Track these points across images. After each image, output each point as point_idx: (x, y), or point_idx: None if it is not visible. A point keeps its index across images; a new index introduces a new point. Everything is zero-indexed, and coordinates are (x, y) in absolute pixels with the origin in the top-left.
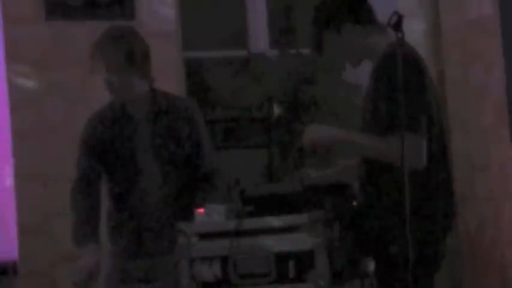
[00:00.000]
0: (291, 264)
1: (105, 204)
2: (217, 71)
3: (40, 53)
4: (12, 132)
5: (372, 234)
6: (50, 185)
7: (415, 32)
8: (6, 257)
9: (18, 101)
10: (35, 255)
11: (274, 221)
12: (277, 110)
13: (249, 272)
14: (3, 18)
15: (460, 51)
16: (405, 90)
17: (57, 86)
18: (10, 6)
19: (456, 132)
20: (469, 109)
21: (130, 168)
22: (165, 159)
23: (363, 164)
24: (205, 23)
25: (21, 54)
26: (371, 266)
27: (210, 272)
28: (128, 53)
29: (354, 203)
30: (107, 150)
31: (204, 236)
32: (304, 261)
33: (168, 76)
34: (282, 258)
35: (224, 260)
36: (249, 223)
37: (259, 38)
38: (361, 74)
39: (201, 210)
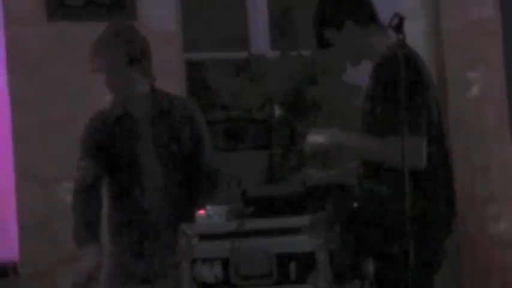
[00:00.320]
0: (292, 265)
1: (106, 204)
2: (217, 72)
3: (41, 54)
4: (13, 132)
5: (373, 235)
6: (50, 185)
7: (416, 33)
8: (7, 257)
9: (19, 101)
10: (36, 256)
11: (275, 223)
12: (278, 111)
13: (250, 274)
14: (5, 18)
15: (461, 52)
16: (405, 91)
17: (58, 86)
18: (11, 6)
19: (457, 133)
20: (470, 110)
21: (131, 169)
22: (166, 159)
23: (363, 166)
24: (206, 24)
25: (22, 55)
26: (371, 267)
27: (211, 273)
28: (128, 51)
29: (355, 205)
30: (107, 151)
31: (205, 237)
32: (305, 262)
33: (169, 77)
34: (283, 260)
35: (225, 261)
36: (250, 224)
37: (260, 39)
38: (362, 75)
39: (202, 211)
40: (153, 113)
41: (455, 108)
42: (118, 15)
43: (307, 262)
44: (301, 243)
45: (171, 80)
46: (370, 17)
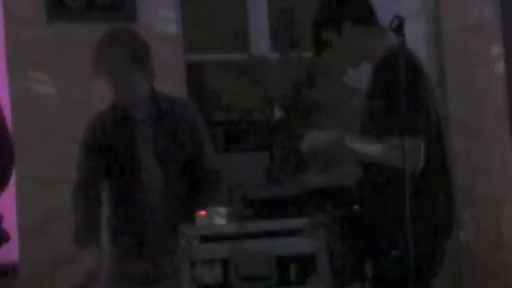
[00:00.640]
0: (292, 267)
1: (106, 205)
2: (218, 73)
3: (42, 55)
4: (13, 133)
5: (372, 238)
6: (50, 187)
7: (417, 36)
8: (7, 259)
9: (19, 103)
10: (35, 257)
11: (276, 224)
12: (278, 112)
13: (250, 275)
14: (5, 19)
15: (461, 55)
16: (403, 93)
17: (58, 87)
18: (12, 7)
19: (457, 135)
20: (470, 113)
21: (131, 171)
22: (166, 161)
23: (362, 168)
24: (206, 25)
25: (23, 56)
26: (371, 269)
27: (211, 275)
28: (129, 54)
29: (355, 207)
30: (107, 153)
31: (206, 238)
32: (305, 264)
33: (169, 79)
34: (283, 262)
35: (225, 263)
36: (251, 226)
37: (260, 41)
38: (361, 77)
39: (203, 212)
40: (154, 115)
41: (455, 109)
42: (118, 16)
43: (307, 264)
44: (301, 245)
45: (171, 82)
46: (369, 18)
